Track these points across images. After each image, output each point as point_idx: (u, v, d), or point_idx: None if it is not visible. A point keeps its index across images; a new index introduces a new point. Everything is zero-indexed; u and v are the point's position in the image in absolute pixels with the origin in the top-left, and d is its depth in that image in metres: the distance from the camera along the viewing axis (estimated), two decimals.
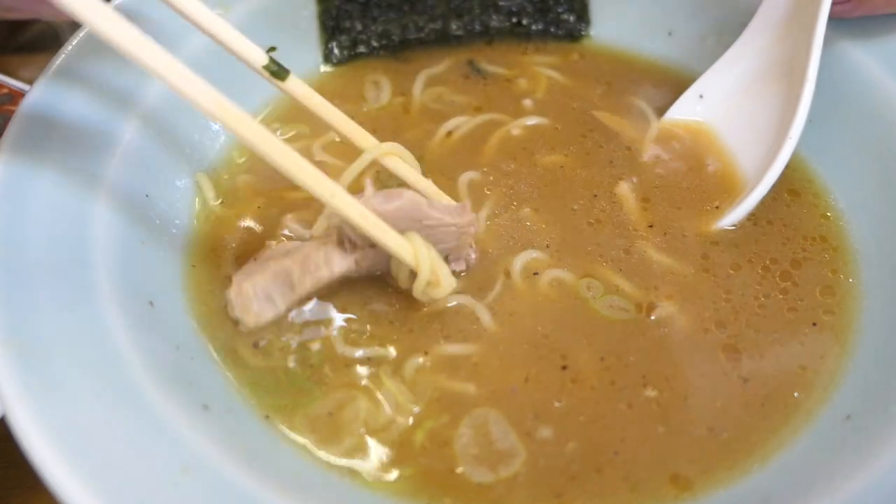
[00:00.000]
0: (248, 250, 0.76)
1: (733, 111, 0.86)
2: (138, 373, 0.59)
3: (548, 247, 0.77)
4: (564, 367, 0.68)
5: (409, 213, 0.68)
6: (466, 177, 0.83)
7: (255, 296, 0.69)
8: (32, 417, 0.52)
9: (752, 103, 0.85)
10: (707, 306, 0.72)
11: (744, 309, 0.72)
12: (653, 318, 0.71)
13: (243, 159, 0.85)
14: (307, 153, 0.86)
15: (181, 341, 0.67)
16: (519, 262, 0.75)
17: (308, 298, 0.71)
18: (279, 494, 0.56)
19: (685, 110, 0.89)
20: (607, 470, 0.62)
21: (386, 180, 0.80)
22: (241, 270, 0.72)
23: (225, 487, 0.55)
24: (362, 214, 0.64)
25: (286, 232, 0.77)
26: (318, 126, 0.85)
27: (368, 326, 0.71)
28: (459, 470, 0.62)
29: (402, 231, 0.67)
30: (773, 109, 0.82)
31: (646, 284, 0.74)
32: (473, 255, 0.74)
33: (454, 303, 0.72)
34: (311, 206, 0.79)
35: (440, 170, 0.84)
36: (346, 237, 0.69)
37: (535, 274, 0.74)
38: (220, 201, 0.81)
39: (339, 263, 0.69)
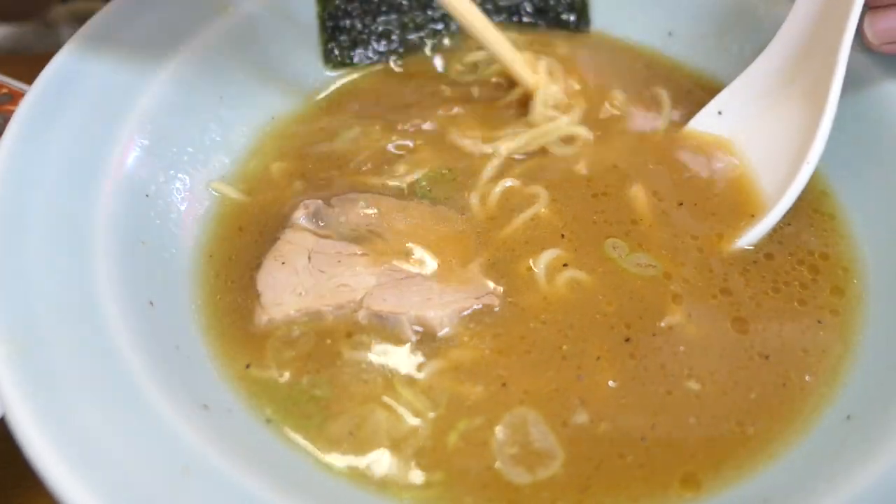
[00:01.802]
0: (253, 247, 0.76)
1: (752, 129, 0.85)
2: (138, 373, 0.59)
3: (564, 240, 0.76)
4: (628, 340, 0.69)
5: (417, 298, 0.70)
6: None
7: (277, 295, 0.70)
8: (32, 417, 0.52)
9: (771, 122, 0.84)
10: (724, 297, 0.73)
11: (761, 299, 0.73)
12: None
13: (229, 159, 0.85)
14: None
15: (181, 341, 0.67)
16: (543, 258, 0.74)
17: (325, 309, 0.71)
18: (279, 494, 0.56)
19: (704, 124, 0.88)
20: (629, 456, 0.63)
21: (428, 190, 0.81)
22: (264, 267, 0.73)
23: (225, 487, 0.55)
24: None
25: (301, 221, 0.77)
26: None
27: (378, 333, 0.70)
28: (497, 466, 0.62)
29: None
30: (794, 129, 0.81)
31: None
32: (497, 297, 0.72)
33: (478, 305, 0.71)
34: (314, 197, 0.80)
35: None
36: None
37: (565, 265, 0.74)
38: (220, 199, 0.81)
39: (366, 284, 0.71)
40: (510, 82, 0.92)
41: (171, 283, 0.72)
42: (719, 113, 0.87)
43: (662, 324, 0.70)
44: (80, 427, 0.53)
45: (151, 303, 0.67)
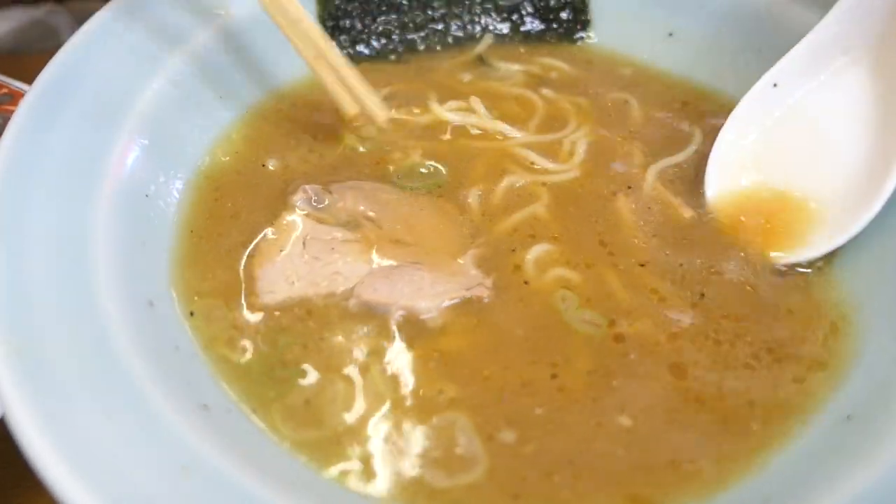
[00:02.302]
0: (248, 243, 0.76)
1: (812, 107, 0.80)
2: (138, 373, 0.59)
3: (553, 245, 0.76)
4: (554, 376, 0.67)
5: (408, 288, 0.71)
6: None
7: (271, 282, 0.71)
8: (32, 417, 0.52)
9: (833, 100, 0.79)
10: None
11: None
12: (622, 338, 0.70)
13: (227, 158, 0.85)
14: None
15: (181, 341, 0.67)
16: (530, 257, 0.74)
17: (316, 297, 0.72)
18: (279, 494, 0.56)
19: (757, 99, 0.81)
20: (556, 477, 0.62)
21: (407, 174, 0.82)
22: (260, 253, 0.74)
23: (225, 487, 0.55)
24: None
25: (299, 204, 0.77)
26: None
27: (364, 320, 0.70)
28: (417, 472, 0.62)
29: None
30: (866, 107, 0.76)
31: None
32: (487, 289, 0.73)
33: (455, 300, 0.71)
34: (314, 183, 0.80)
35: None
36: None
37: (541, 272, 0.74)
38: (221, 198, 0.81)
39: (359, 272, 0.72)
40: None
41: (171, 283, 0.72)
42: (775, 85, 0.82)
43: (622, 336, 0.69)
44: (80, 427, 0.53)
45: (151, 303, 0.67)
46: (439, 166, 0.84)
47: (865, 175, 0.75)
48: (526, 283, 0.73)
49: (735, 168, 0.81)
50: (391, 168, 0.84)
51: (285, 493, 0.56)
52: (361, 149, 0.86)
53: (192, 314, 0.70)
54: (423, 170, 0.84)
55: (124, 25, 0.80)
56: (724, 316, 0.72)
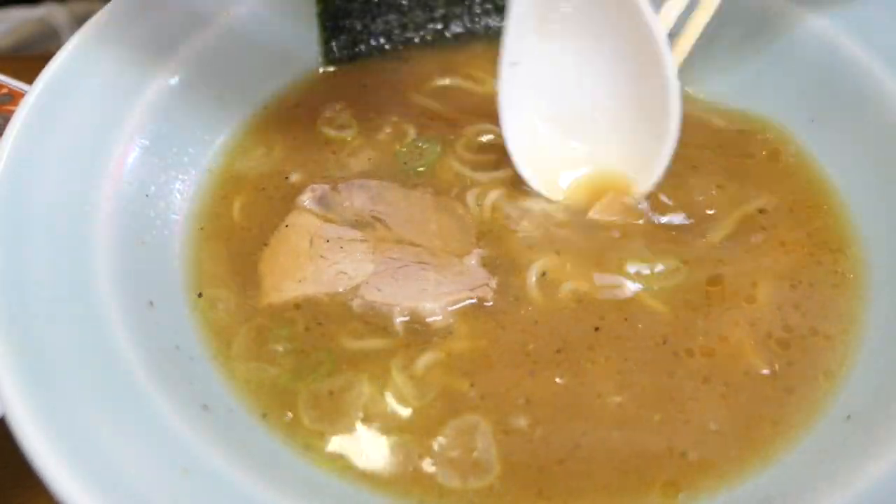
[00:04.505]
0: (254, 245, 0.76)
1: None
2: (138, 373, 0.59)
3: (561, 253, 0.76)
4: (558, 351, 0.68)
5: (412, 288, 0.71)
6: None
7: (277, 280, 0.72)
8: (32, 417, 0.52)
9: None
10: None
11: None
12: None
13: (231, 157, 0.85)
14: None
15: (181, 341, 0.67)
16: (536, 267, 0.74)
17: (321, 296, 0.72)
18: (279, 494, 0.56)
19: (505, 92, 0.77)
20: (569, 462, 0.62)
21: (412, 161, 0.83)
22: (268, 250, 0.74)
23: (225, 487, 0.55)
24: None
25: (306, 203, 0.78)
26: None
27: (370, 321, 0.71)
28: (433, 470, 0.62)
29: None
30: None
31: None
32: (491, 290, 0.73)
33: (459, 302, 0.71)
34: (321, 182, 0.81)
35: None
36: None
37: (549, 276, 0.74)
38: (221, 197, 0.81)
39: (364, 272, 0.73)
40: None
41: (171, 283, 0.72)
42: (513, 64, 0.76)
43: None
44: (80, 427, 0.53)
45: (151, 303, 0.67)
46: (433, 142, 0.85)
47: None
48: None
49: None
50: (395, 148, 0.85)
51: (285, 493, 0.56)
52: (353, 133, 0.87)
53: (196, 312, 0.71)
54: (420, 144, 0.84)
55: (125, 25, 0.80)
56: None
